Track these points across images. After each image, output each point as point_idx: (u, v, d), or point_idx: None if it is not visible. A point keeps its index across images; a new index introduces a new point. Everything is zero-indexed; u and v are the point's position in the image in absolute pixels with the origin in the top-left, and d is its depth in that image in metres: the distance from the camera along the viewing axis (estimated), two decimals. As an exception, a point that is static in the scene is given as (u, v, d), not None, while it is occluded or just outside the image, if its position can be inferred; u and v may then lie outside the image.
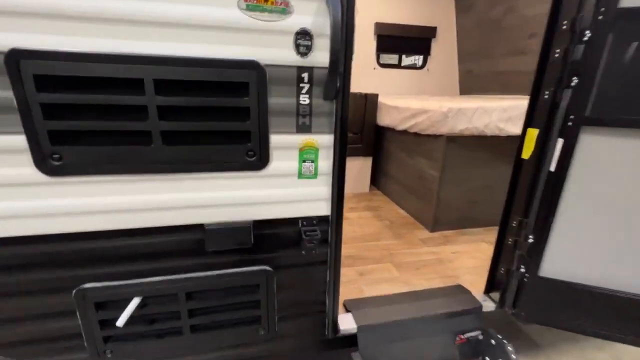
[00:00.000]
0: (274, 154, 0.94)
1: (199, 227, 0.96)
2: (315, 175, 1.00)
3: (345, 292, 1.49)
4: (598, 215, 1.14)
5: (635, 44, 0.95)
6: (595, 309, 1.21)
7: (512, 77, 3.08)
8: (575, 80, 1.05)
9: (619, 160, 1.07)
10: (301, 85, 0.90)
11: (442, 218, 2.19)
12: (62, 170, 0.81)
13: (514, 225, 1.31)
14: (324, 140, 0.97)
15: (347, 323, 1.26)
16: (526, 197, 1.24)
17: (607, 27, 0.97)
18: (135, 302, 0.97)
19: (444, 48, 3.81)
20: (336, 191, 1.03)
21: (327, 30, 0.86)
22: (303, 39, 0.85)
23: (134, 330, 1.01)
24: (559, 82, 1.09)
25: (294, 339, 1.20)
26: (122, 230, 0.91)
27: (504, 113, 1.92)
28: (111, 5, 0.73)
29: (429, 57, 3.81)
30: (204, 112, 0.86)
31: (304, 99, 0.91)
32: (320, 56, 0.88)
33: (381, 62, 3.71)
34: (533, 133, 1.19)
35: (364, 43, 3.54)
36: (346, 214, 2.38)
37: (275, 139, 0.93)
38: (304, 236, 1.03)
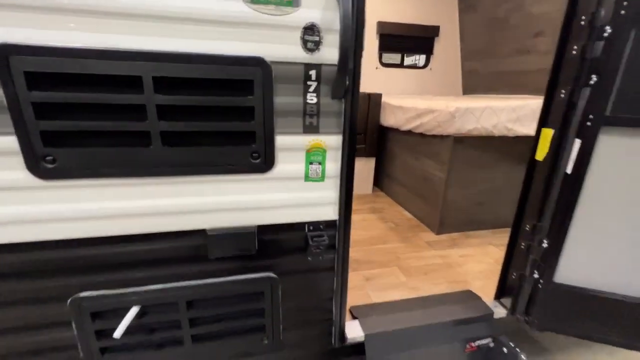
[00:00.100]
0: (280, 156, 0.89)
1: (201, 232, 0.91)
2: (322, 178, 0.95)
3: (352, 298, 1.44)
4: (617, 219, 1.09)
5: (659, 40, 0.91)
6: (613, 317, 1.16)
7: (516, 77, 3.04)
8: (594, 79, 1.00)
9: (640, 162, 1.02)
10: (308, 83, 0.85)
11: (448, 220, 2.15)
12: (56, 173, 0.76)
13: (526, 229, 1.26)
14: (332, 141, 0.92)
15: (354, 331, 1.21)
16: (540, 200, 1.20)
17: (629, 22, 0.92)
18: (133, 311, 0.93)
19: (447, 47, 3.77)
20: (344, 194, 0.98)
21: (337, 25, 0.81)
22: (311, 35, 0.81)
23: (133, 340, 0.96)
24: (577, 80, 1.05)
25: (300, 349, 1.15)
26: (119, 236, 0.86)
27: (512, 113, 1.87)
28: (107, -2, 0.69)
29: (431, 57, 3.77)
30: (205, 111, 0.82)
31: (312, 98, 0.87)
32: (329, 52, 0.83)
33: (383, 61, 3.66)
34: (548, 133, 1.14)
35: (366, 42, 3.48)
36: (350, 216, 2.33)
37: (281, 140, 0.88)
38: (310, 242, 0.98)
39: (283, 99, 0.84)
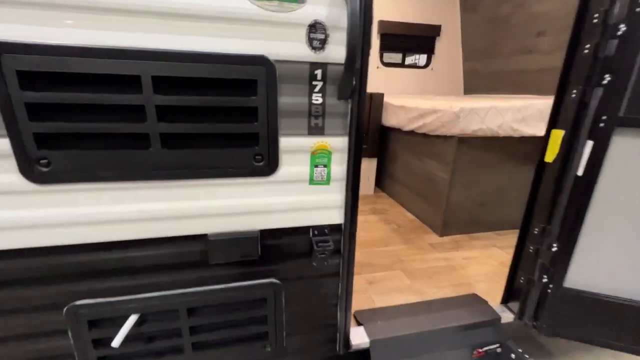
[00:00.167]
0: (284, 158, 0.86)
1: (202, 237, 0.88)
2: (327, 181, 0.92)
3: (355, 302, 1.40)
4: (630, 223, 1.06)
5: (676, 39, 0.88)
6: (626, 323, 1.14)
7: (518, 76, 3.01)
8: (607, 78, 0.97)
9: (654, 164, 0.99)
10: (314, 83, 0.82)
11: (451, 222, 2.12)
12: (50, 177, 0.73)
13: (535, 232, 1.23)
14: (338, 143, 0.89)
15: (359, 337, 1.18)
16: (549, 202, 1.17)
17: (645, 20, 0.89)
18: (132, 319, 0.89)
19: (449, 47, 3.74)
20: (350, 198, 0.95)
21: (344, 23, 0.78)
22: (317, 32, 0.77)
23: (131, 349, 0.93)
24: (589, 80, 1.01)
25: (303, 356, 1.12)
26: (117, 242, 0.83)
27: (518, 113, 1.84)
28: (104, -7, 0.65)
29: (433, 56, 3.74)
30: (207, 112, 0.78)
31: (317, 98, 0.83)
32: (335, 51, 0.80)
33: (384, 60, 3.63)
34: (558, 134, 1.11)
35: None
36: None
37: (285, 141, 0.85)
38: (315, 247, 0.95)
39: (287, 100, 0.81)
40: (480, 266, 1.77)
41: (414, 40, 3.65)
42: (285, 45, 0.77)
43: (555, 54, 2.55)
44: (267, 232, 0.92)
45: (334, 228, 0.98)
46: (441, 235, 2.13)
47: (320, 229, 0.97)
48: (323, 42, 0.79)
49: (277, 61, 0.77)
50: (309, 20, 0.76)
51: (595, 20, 0.99)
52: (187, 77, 0.74)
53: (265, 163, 0.85)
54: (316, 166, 0.90)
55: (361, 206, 2.64)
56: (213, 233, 0.88)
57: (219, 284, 0.94)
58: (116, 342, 0.88)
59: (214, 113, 0.79)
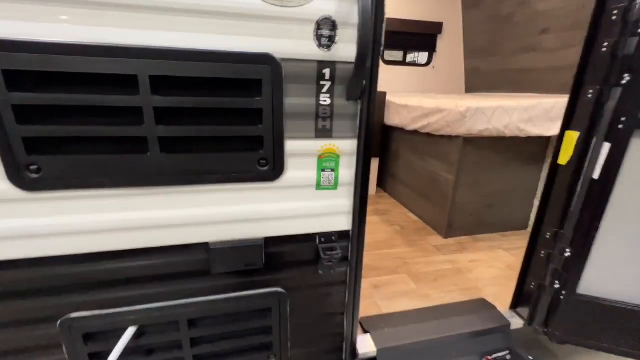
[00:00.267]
0: (290, 163, 0.82)
1: (203, 246, 0.84)
2: (335, 186, 0.88)
3: (360, 308, 1.36)
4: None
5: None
6: (641, 330, 1.10)
7: (521, 75, 2.97)
8: (626, 78, 0.93)
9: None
10: (322, 83, 0.77)
11: (456, 223, 2.08)
12: (41, 184, 0.68)
13: (547, 236, 1.19)
14: (346, 146, 0.85)
15: (366, 346, 1.14)
16: (563, 206, 1.13)
17: (669, 16, 0.85)
18: (130, 332, 0.85)
19: (450, 45, 3.69)
20: (358, 203, 0.91)
21: (354, 19, 0.73)
22: (326, 29, 0.73)
23: (129, 362, 0.88)
24: (606, 79, 0.97)
25: (309, 366, 1.08)
26: (113, 252, 0.78)
27: (525, 113, 1.80)
28: (97, -14, 0.60)
29: (434, 54, 3.69)
30: (208, 114, 0.74)
31: (325, 99, 0.79)
32: (345, 49, 0.75)
33: (385, 58, 3.58)
34: (573, 136, 1.07)
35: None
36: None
37: (291, 145, 0.80)
38: (322, 255, 0.91)
39: (294, 100, 0.77)
40: (487, 269, 1.73)
41: (416, 37, 3.60)
42: (292, 43, 0.72)
43: (560, 52, 2.51)
44: (271, 240, 0.88)
45: (342, 235, 0.93)
46: (445, 237, 2.09)
47: (327, 236, 0.92)
48: (332, 40, 0.74)
49: (284, 60, 0.73)
50: (318, 16, 0.71)
51: (614, 18, 0.95)
52: (187, 77, 0.69)
53: (270, 168, 0.80)
54: (323, 170, 0.85)
55: (363, 207, 2.60)
56: (215, 241, 0.84)
57: (221, 293, 0.90)
58: (113, 356, 0.83)
59: (215, 115, 0.74)
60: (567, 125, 1.10)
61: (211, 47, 0.69)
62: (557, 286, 1.18)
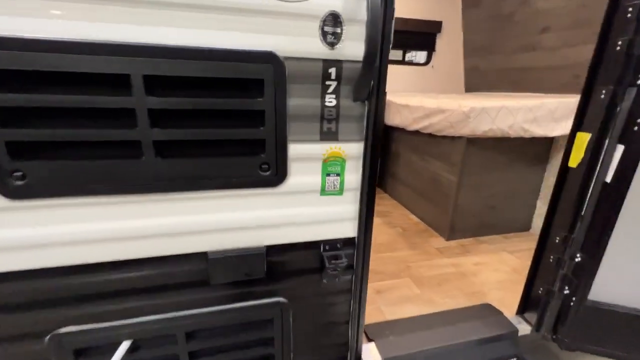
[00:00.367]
0: (293, 167, 0.77)
1: (202, 255, 0.79)
2: (340, 191, 0.83)
3: (364, 314, 1.33)
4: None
5: None
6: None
7: (521, 74, 2.94)
8: (642, 77, 0.90)
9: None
10: (327, 83, 0.73)
11: (459, 225, 2.05)
12: (26, 191, 0.63)
13: (556, 241, 1.16)
14: (353, 150, 0.81)
15: (370, 355, 1.10)
16: (573, 210, 1.09)
17: (688, 13, 0.82)
18: (124, 346, 0.80)
19: (450, 43, 3.66)
20: (365, 209, 0.86)
21: (362, 15, 0.69)
22: (332, 26, 0.68)
23: (124, 378, 0.84)
24: (620, 79, 0.94)
25: (312, 377, 1.04)
26: (105, 263, 0.73)
27: (529, 113, 1.77)
28: (85, -22, 0.56)
29: (434, 53, 3.66)
30: (207, 116, 0.69)
31: (330, 100, 0.74)
32: (352, 47, 0.71)
33: (385, 58, 3.54)
34: (584, 138, 1.04)
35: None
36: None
37: (294, 148, 0.76)
38: (327, 263, 0.86)
39: (297, 102, 0.72)
40: (492, 273, 1.70)
41: (415, 36, 3.57)
42: (296, 41, 0.68)
43: (560, 51, 2.48)
44: (273, 248, 0.84)
45: (347, 242, 0.89)
46: (448, 239, 2.06)
47: (331, 244, 0.88)
48: (338, 37, 0.70)
49: (287, 58, 0.68)
50: (323, 12, 0.67)
51: (629, 15, 0.91)
52: (183, 77, 0.64)
53: (272, 172, 0.76)
54: (328, 175, 0.81)
55: (363, 208, 2.56)
56: (214, 250, 0.79)
57: (221, 304, 0.85)
58: (106, 373, 0.79)
59: (214, 117, 0.69)
60: (578, 126, 1.06)
61: (209, 44, 0.64)
62: (566, 292, 1.14)
